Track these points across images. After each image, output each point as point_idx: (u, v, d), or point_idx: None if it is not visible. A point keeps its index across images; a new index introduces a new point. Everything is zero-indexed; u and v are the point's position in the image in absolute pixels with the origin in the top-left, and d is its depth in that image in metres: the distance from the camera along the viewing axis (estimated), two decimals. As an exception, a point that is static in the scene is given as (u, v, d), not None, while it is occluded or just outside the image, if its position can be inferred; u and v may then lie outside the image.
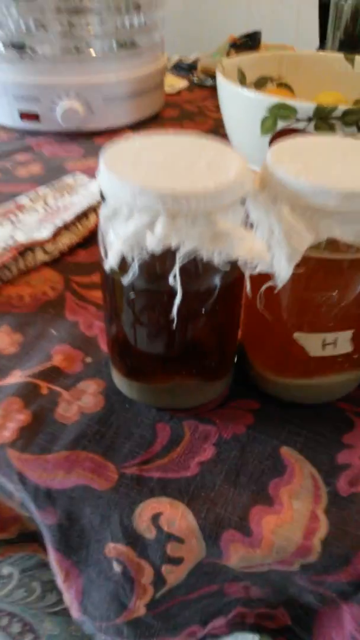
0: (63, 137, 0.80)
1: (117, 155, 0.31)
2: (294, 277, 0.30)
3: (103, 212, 0.30)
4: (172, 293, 0.29)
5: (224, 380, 0.38)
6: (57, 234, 0.53)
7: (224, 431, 0.37)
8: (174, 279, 0.29)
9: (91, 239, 0.56)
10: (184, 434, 0.37)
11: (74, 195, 0.62)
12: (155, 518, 0.32)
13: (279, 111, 0.57)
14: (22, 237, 0.53)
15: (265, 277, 0.31)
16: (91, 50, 0.74)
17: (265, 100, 0.57)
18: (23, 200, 0.61)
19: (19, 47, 0.74)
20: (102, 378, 0.40)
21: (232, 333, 0.36)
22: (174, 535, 0.32)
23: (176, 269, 0.28)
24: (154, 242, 0.28)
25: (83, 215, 0.56)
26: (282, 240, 0.30)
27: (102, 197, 0.30)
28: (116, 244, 0.29)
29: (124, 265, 0.30)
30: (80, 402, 0.38)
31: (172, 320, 0.31)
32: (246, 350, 0.39)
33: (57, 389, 0.39)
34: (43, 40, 0.73)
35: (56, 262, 0.53)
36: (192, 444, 0.36)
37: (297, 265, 0.29)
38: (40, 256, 0.52)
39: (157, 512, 0.32)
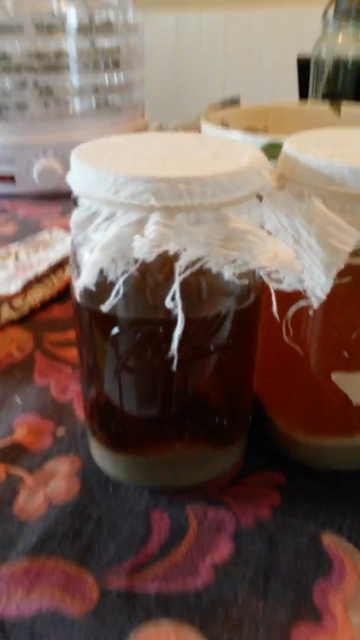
0: (40, 198, 0.74)
1: (94, 149, 0.24)
2: (333, 294, 0.22)
3: (74, 218, 0.22)
4: (170, 322, 0.21)
5: (237, 445, 0.29)
6: (27, 287, 0.45)
7: (243, 517, 0.27)
8: (173, 301, 0.21)
9: (68, 293, 0.48)
10: (189, 525, 0.27)
11: (50, 251, 0.55)
12: (155, 655, 0.22)
13: (272, 151, 0.53)
14: (-14, 293, 0.45)
15: (289, 297, 0.24)
16: (69, 108, 0.71)
17: (255, 140, 0.52)
18: (-9, 257, 0.54)
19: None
20: (77, 454, 0.31)
21: (247, 379, 0.28)
22: None
23: (175, 286, 0.21)
24: (144, 248, 0.20)
25: (58, 267, 0.49)
26: (315, 243, 0.22)
27: (75, 202, 0.23)
28: (93, 255, 0.21)
29: (102, 288, 0.22)
30: (49, 488, 0.29)
31: (170, 362, 0.22)
32: (264, 403, 0.30)
33: (18, 472, 0.30)
34: (19, 99, 0.70)
35: (26, 320, 0.45)
36: (201, 538, 0.26)
37: (339, 275, 0.21)
38: (7, 313, 0.44)
39: (157, 646, 0.22)
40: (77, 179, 0.22)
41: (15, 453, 0.31)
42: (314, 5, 1.09)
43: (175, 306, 0.21)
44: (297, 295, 0.23)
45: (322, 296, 0.23)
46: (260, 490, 0.29)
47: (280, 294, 0.23)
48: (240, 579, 0.25)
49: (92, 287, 0.21)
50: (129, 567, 0.25)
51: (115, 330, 0.23)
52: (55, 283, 0.48)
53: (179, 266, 0.21)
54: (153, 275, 0.22)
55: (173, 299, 0.21)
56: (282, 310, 0.24)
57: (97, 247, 0.21)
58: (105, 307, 0.21)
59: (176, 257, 0.21)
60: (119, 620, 0.23)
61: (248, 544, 0.26)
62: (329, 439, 0.28)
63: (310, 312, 0.23)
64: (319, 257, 0.23)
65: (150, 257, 0.20)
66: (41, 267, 0.48)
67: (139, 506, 0.28)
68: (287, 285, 0.23)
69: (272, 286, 0.22)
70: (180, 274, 0.21)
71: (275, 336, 0.27)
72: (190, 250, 0.21)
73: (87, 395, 0.28)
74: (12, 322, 0.44)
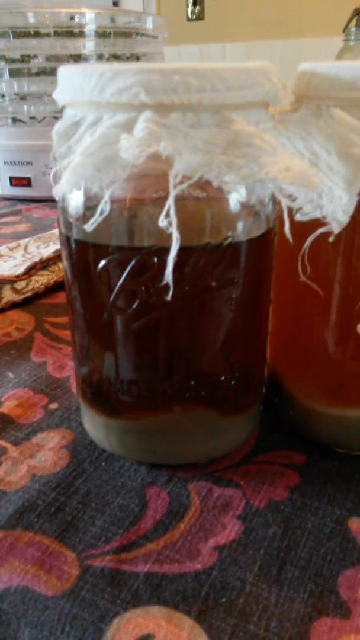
0: (55, 202, 0.73)
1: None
2: (356, 216, 0.19)
3: (56, 128, 0.20)
4: (165, 251, 0.18)
5: (247, 416, 0.25)
6: (31, 270, 0.43)
7: (254, 497, 0.23)
8: (167, 219, 0.18)
9: (74, 280, 0.46)
10: (191, 503, 0.23)
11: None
12: (142, 646, 0.18)
13: None
14: (-11, 277, 0.43)
15: (306, 230, 0.20)
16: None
17: None
18: (0, 249, 0.52)
19: (11, 112, 0.71)
20: (69, 428, 0.28)
21: (258, 330, 0.24)
22: None
23: (170, 201, 0.18)
24: (131, 148, 0.17)
25: (65, 252, 0.46)
26: (335, 162, 0.19)
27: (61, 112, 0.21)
28: (74, 160, 0.18)
29: (89, 210, 0.20)
30: (33, 460, 0.25)
31: (166, 303, 0.19)
32: (280, 373, 0.27)
33: (2, 443, 0.27)
34: (36, 104, 0.70)
35: (29, 304, 0.42)
36: (204, 517, 0.22)
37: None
38: (8, 295, 0.41)
39: (144, 635, 0.18)
40: (62, 88, 0.20)
41: (1, 424, 0.28)
42: (335, 35, 1.09)
43: (170, 224, 0.18)
44: (315, 226, 0.20)
45: (345, 219, 0.19)
46: (274, 469, 0.25)
47: (295, 227, 0.20)
48: (249, 564, 0.20)
49: (70, 190, 0.18)
50: (117, 545, 0.21)
51: (103, 262, 0.20)
52: (61, 269, 0.45)
53: (173, 174, 0.18)
54: (142, 188, 0.19)
55: (167, 216, 0.18)
56: (297, 246, 0.21)
57: (79, 151, 0.18)
58: (89, 226, 0.19)
59: (170, 163, 0.18)
60: (101, 603, 0.19)
61: (259, 526, 0.22)
62: (353, 410, 0.24)
63: (330, 239, 0.20)
64: (340, 175, 0.20)
65: (139, 159, 0.17)
66: (47, 253, 0.46)
67: (133, 482, 0.24)
68: (301, 203, 0.19)
69: (285, 204, 0.19)
70: (175, 186, 0.18)
71: (292, 288, 0.24)
72: (186, 156, 0.18)
73: (75, 349, 0.25)
74: (14, 305, 0.41)
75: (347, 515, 0.22)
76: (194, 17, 1.80)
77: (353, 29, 0.86)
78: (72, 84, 0.19)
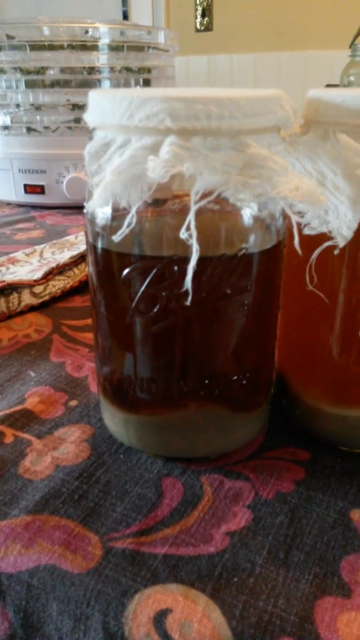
0: (68, 209, 0.76)
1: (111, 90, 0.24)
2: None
3: (88, 148, 0.22)
4: (185, 261, 0.20)
5: (257, 414, 0.27)
6: (48, 275, 0.45)
7: (263, 489, 0.25)
8: (188, 232, 0.20)
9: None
10: (204, 493, 0.25)
11: (75, 251, 0.55)
12: (160, 618, 0.20)
13: None
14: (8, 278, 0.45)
15: (313, 244, 0.22)
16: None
17: None
18: (17, 254, 0.54)
19: (26, 122, 0.73)
20: (89, 424, 0.29)
21: (268, 335, 0.26)
22: (192, 653, 0.19)
23: (191, 215, 0.20)
24: (157, 168, 0.19)
25: (81, 259, 0.48)
26: (341, 181, 0.21)
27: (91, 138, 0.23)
28: (105, 178, 0.20)
29: (115, 221, 0.22)
30: (57, 452, 0.27)
31: (185, 308, 0.21)
32: (288, 375, 0.29)
33: (26, 436, 0.28)
34: (50, 114, 0.72)
35: (46, 307, 0.44)
36: (216, 506, 0.24)
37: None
38: (27, 299, 0.43)
39: (163, 609, 0.20)
40: (92, 112, 0.22)
41: (25, 419, 0.30)
42: (341, 48, 1.12)
43: (190, 237, 0.20)
44: (322, 240, 0.22)
45: (349, 234, 0.21)
46: (281, 464, 0.27)
47: (303, 240, 0.22)
48: (259, 548, 0.22)
49: (100, 206, 0.20)
50: (137, 529, 0.23)
51: (127, 269, 0.22)
52: (76, 273, 0.47)
53: (194, 192, 0.20)
54: (168, 208, 0.21)
55: (188, 229, 0.20)
56: (305, 258, 0.23)
57: (109, 170, 0.20)
58: (117, 237, 0.21)
59: (191, 182, 0.20)
60: (123, 580, 0.21)
61: (268, 515, 0.24)
62: (355, 410, 0.26)
63: (336, 252, 0.22)
64: (345, 194, 0.21)
65: (164, 178, 0.19)
66: (63, 259, 0.48)
67: (150, 473, 0.26)
68: (309, 219, 0.21)
69: (294, 219, 0.21)
70: (195, 202, 0.20)
71: (300, 296, 0.26)
72: (206, 175, 0.20)
73: (98, 350, 0.27)
74: (32, 308, 0.43)
75: (349, 507, 0.24)
76: (202, 28, 1.83)
77: (359, 45, 0.89)
78: (102, 109, 0.21)
